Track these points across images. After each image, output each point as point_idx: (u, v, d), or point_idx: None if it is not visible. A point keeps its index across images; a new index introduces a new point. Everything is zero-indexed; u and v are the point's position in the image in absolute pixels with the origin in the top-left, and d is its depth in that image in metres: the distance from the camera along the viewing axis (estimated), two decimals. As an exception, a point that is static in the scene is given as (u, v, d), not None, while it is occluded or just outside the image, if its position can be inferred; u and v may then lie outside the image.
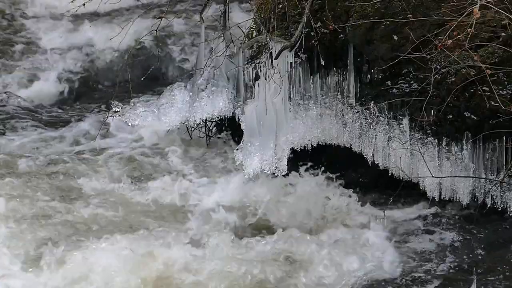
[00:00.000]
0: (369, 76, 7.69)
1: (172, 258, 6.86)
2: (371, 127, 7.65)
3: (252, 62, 8.04)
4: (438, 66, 7.20)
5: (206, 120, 8.37)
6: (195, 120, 8.18)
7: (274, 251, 7.07)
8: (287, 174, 7.80)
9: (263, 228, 7.52)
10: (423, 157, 7.28)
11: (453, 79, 7.30)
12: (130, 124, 8.35)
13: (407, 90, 7.48)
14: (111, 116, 8.48)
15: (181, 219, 7.59)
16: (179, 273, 6.76)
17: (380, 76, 7.63)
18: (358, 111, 7.71)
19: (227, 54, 7.88)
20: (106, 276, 6.69)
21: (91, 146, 8.81)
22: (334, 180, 7.89)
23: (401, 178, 7.51)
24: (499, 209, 7.31)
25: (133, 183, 8.08)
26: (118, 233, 7.18)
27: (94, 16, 11.42)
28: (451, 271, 6.92)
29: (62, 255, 6.91)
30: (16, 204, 7.63)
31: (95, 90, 10.61)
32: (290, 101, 7.81)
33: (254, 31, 8.28)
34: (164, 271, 6.77)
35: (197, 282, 6.71)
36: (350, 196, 7.77)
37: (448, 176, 7.33)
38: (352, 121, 7.74)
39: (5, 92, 10.13)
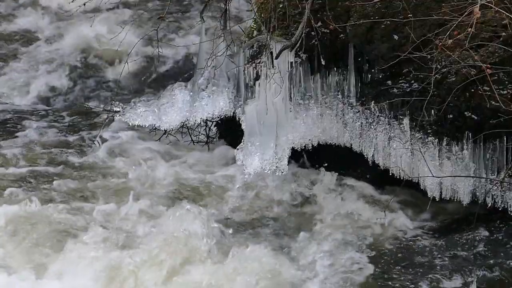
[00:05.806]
0: (369, 75, 7.69)
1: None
2: (372, 126, 7.64)
3: (253, 61, 8.04)
4: (438, 66, 7.18)
5: (206, 120, 8.37)
6: (195, 120, 8.19)
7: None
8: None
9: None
10: (423, 156, 7.27)
11: (453, 79, 7.30)
12: (130, 123, 8.37)
13: (407, 90, 7.47)
14: (111, 116, 8.50)
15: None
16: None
17: (380, 76, 7.63)
18: (358, 111, 7.70)
19: (227, 53, 7.88)
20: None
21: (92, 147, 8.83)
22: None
23: (401, 178, 7.53)
24: (500, 209, 7.31)
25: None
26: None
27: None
28: (451, 270, 6.92)
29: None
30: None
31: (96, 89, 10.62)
32: (291, 100, 7.81)
33: (254, 31, 8.28)
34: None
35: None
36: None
37: (449, 176, 7.32)
38: (353, 120, 7.74)
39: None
